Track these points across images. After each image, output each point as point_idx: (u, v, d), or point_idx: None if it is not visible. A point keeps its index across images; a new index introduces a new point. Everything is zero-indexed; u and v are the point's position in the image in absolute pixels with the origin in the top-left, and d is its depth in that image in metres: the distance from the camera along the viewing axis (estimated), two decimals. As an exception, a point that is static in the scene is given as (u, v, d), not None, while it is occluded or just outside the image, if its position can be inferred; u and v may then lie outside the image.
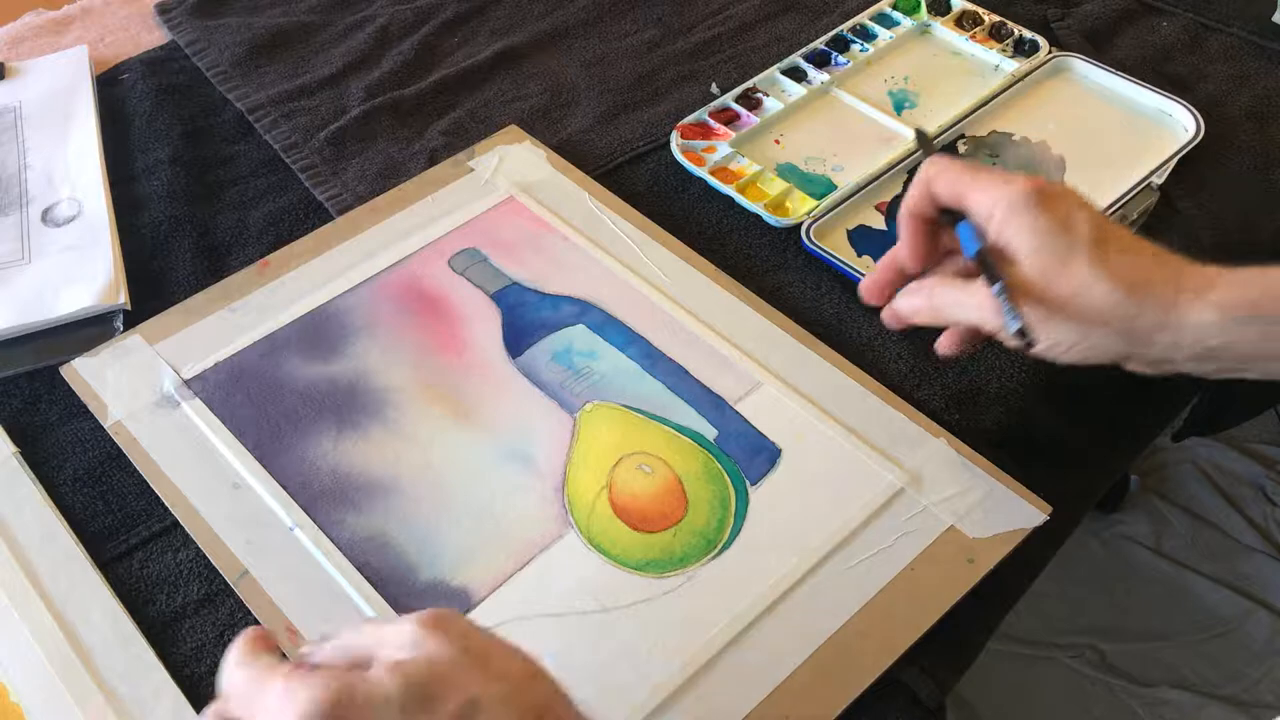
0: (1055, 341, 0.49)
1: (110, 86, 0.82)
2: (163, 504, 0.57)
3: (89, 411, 0.61)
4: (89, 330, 0.66)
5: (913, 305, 0.53)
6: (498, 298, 0.66)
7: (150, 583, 0.55)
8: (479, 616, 0.52)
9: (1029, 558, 0.55)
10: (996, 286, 0.49)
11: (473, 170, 0.73)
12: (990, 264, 0.49)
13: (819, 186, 0.72)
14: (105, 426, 0.60)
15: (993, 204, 0.49)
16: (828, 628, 0.52)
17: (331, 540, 0.55)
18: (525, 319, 0.65)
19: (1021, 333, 0.48)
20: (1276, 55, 0.81)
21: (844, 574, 0.53)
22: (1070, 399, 0.63)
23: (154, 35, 0.88)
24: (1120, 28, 0.84)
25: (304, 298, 0.66)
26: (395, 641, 0.37)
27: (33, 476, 0.58)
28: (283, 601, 0.53)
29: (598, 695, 0.50)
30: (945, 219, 0.53)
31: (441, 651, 0.36)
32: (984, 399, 0.61)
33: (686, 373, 0.62)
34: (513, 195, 0.71)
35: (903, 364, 0.63)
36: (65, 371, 0.63)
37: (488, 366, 0.63)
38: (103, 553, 0.56)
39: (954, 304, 0.51)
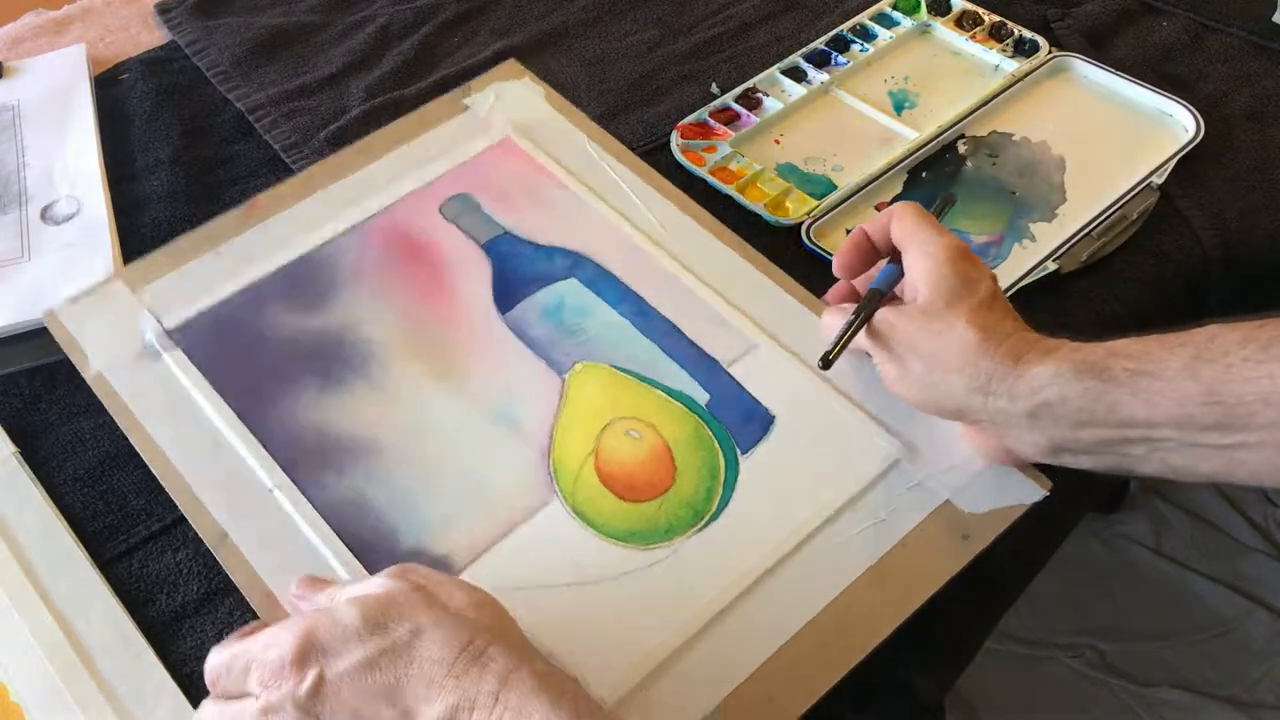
0: (908, 374, 0.53)
1: (110, 86, 0.82)
2: (163, 503, 0.57)
3: (89, 411, 0.61)
4: (89, 330, 0.66)
5: (825, 322, 0.59)
6: (489, 248, 0.64)
7: (150, 582, 0.55)
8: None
9: (1029, 557, 0.55)
10: (849, 317, 0.54)
11: (468, 108, 0.72)
12: (866, 303, 0.55)
13: (819, 186, 0.72)
14: (86, 379, 0.59)
15: (923, 252, 0.54)
16: (815, 605, 0.51)
17: (312, 503, 0.54)
18: (517, 272, 0.63)
19: (824, 356, 0.53)
20: (1276, 55, 0.81)
21: (833, 549, 0.52)
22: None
23: (154, 35, 0.88)
24: (1120, 28, 0.84)
25: (291, 241, 0.65)
26: (364, 585, 0.46)
27: (33, 476, 0.58)
28: (262, 568, 0.53)
29: (578, 669, 0.49)
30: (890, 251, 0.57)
31: (395, 588, 0.45)
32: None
33: (680, 333, 0.60)
34: (509, 136, 0.69)
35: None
36: (47, 318, 0.62)
37: (476, 322, 0.61)
38: (103, 553, 0.56)
39: (830, 325, 0.58)
